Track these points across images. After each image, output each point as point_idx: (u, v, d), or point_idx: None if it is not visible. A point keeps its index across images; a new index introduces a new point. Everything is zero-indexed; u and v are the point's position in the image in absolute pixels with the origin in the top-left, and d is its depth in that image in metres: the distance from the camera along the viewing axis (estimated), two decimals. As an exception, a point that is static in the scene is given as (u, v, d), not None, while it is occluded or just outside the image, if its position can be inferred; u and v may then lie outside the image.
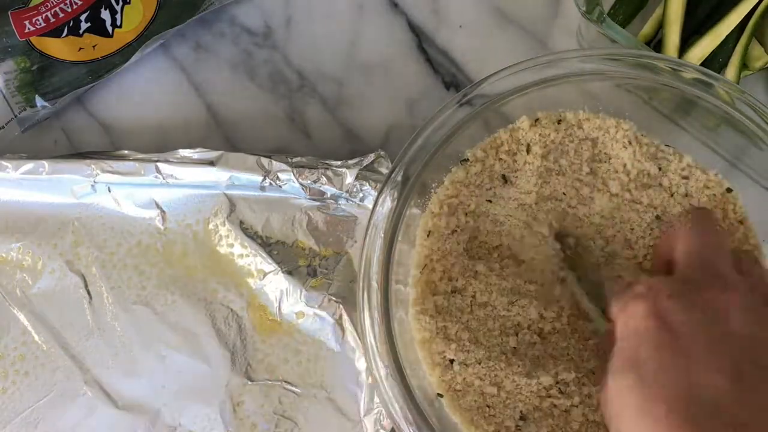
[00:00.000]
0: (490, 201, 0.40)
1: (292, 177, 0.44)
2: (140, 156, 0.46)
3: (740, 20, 0.42)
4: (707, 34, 0.42)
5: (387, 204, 0.38)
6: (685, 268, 0.32)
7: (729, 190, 0.39)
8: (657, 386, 0.28)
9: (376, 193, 0.41)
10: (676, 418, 0.27)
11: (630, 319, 0.31)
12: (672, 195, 0.39)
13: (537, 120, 0.40)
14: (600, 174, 0.40)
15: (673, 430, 0.27)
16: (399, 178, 0.38)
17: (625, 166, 0.40)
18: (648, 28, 0.45)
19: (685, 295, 0.30)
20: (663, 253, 0.36)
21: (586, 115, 0.40)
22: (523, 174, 0.40)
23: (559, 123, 0.40)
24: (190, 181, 0.45)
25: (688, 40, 0.43)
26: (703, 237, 0.35)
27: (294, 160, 0.45)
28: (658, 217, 0.39)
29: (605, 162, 0.40)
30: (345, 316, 0.44)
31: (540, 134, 0.40)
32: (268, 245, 0.46)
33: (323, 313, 0.44)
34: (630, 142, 0.39)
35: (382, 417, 0.42)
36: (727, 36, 0.42)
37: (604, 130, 0.40)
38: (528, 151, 0.40)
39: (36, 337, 0.45)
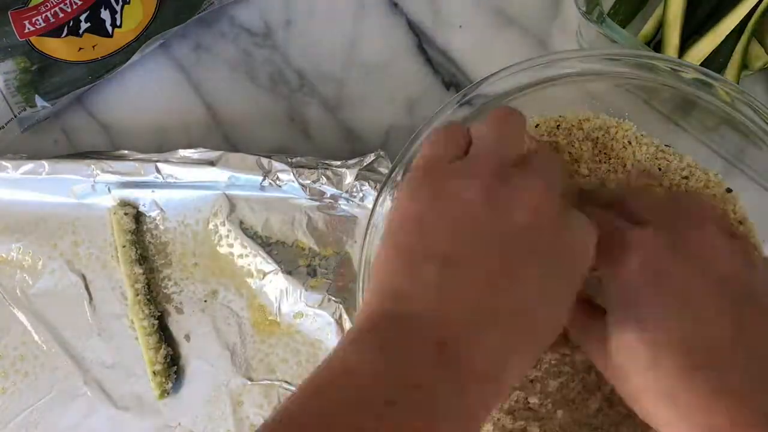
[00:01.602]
0: None
1: (292, 177, 0.44)
2: (140, 156, 0.46)
3: (740, 21, 0.41)
4: (707, 34, 0.42)
5: (387, 204, 0.38)
6: (662, 217, 0.32)
7: (729, 191, 0.39)
8: (661, 337, 0.28)
9: (376, 193, 0.41)
10: (685, 367, 0.27)
11: (625, 271, 0.30)
12: None
13: (537, 126, 0.40)
14: (599, 175, 0.40)
15: (684, 379, 0.27)
16: (399, 178, 0.38)
17: (624, 166, 0.40)
18: (648, 28, 0.45)
19: (677, 244, 0.30)
20: (615, 198, 0.36)
21: (586, 115, 0.40)
22: None
23: (558, 128, 0.40)
24: (189, 181, 0.45)
25: (687, 40, 0.43)
26: (656, 193, 0.35)
27: (294, 160, 0.45)
28: None
29: (605, 162, 0.40)
30: (345, 316, 0.44)
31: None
32: (268, 245, 0.46)
33: (323, 313, 0.44)
34: (630, 143, 0.39)
35: (382, 417, 0.42)
36: (726, 36, 0.42)
37: (604, 130, 0.40)
38: None
39: (36, 337, 0.46)
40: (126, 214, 0.46)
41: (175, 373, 0.45)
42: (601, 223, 0.32)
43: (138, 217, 0.47)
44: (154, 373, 0.44)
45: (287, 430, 0.24)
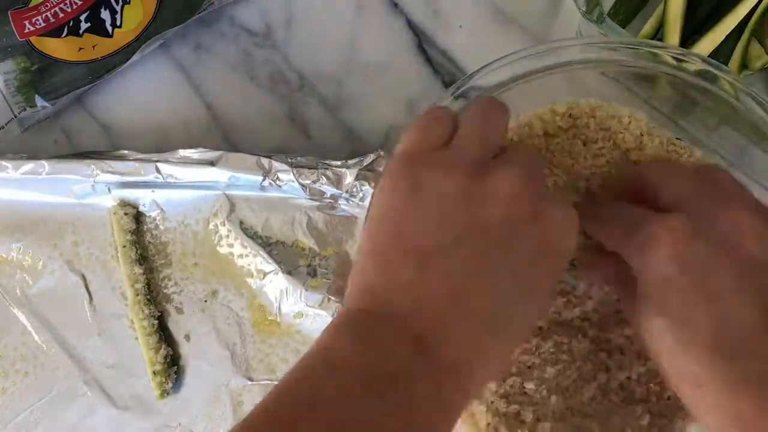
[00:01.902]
0: None
1: (292, 177, 0.44)
2: (140, 156, 0.46)
3: (740, 21, 0.41)
4: (707, 34, 0.42)
5: None
6: (682, 204, 0.32)
7: None
8: (689, 325, 0.28)
9: (375, 193, 0.41)
10: (713, 355, 0.27)
11: (650, 263, 0.30)
12: None
13: (548, 112, 0.40)
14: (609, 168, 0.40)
15: (711, 367, 0.27)
16: (380, 168, 0.38)
17: (635, 159, 0.39)
18: (648, 28, 0.45)
19: (700, 232, 0.30)
20: (634, 191, 0.36)
21: (599, 103, 0.40)
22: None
23: (570, 116, 0.40)
24: (189, 181, 0.45)
25: (687, 40, 0.43)
26: (682, 170, 0.34)
27: (294, 160, 0.45)
28: None
29: (614, 151, 0.40)
30: (345, 316, 0.44)
31: (550, 131, 0.40)
32: (268, 245, 0.46)
33: (323, 313, 0.44)
34: (642, 134, 0.39)
35: (382, 417, 0.42)
36: (726, 36, 0.42)
37: (617, 119, 0.39)
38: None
39: (36, 337, 0.46)
40: (126, 214, 0.46)
41: (176, 373, 0.45)
42: (624, 213, 0.32)
43: (138, 217, 0.47)
44: (154, 373, 0.44)
45: (266, 425, 0.25)
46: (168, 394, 0.44)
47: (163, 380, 0.44)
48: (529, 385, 0.36)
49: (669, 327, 0.29)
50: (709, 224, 0.30)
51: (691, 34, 0.43)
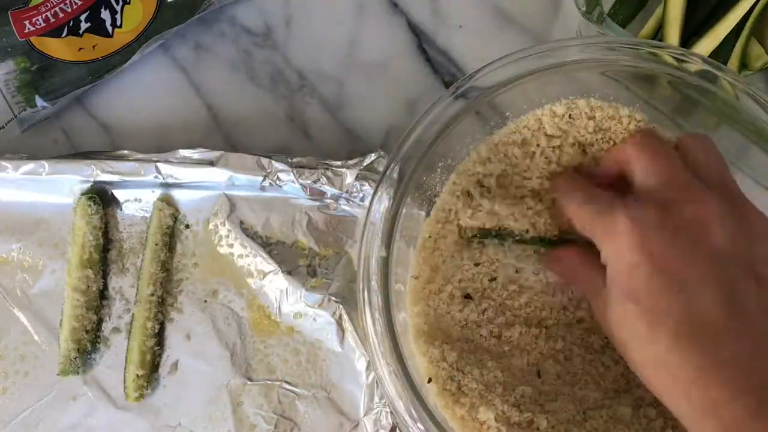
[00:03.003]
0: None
1: (293, 177, 0.44)
2: (140, 156, 0.46)
3: (738, 20, 0.41)
4: (707, 34, 0.42)
5: (384, 202, 0.38)
6: (651, 190, 0.32)
7: None
8: (657, 313, 0.29)
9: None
10: (685, 344, 0.28)
11: (617, 251, 0.31)
12: None
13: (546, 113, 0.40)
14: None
15: (680, 353, 0.28)
16: (395, 176, 0.38)
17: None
18: (648, 28, 0.45)
19: (666, 221, 0.30)
20: (610, 167, 0.36)
21: (598, 103, 0.40)
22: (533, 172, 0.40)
23: (570, 116, 0.40)
24: (190, 181, 0.45)
25: (688, 41, 0.43)
26: (654, 153, 0.34)
27: (294, 160, 0.45)
28: None
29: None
30: (345, 316, 0.44)
31: (549, 132, 0.40)
32: (268, 245, 0.46)
33: (323, 313, 0.44)
34: None
35: (381, 417, 0.42)
36: (726, 36, 0.42)
37: (617, 120, 0.39)
38: (537, 152, 0.40)
39: (36, 338, 0.46)
40: (167, 212, 0.46)
41: (155, 379, 0.45)
42: (594, 199, 0.33)
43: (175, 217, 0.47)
44: (137, 375, 0.44)
45: None
46: (143, 398, 0.44)
47: (144, 384, 0.44)
48: (541, 392, 0.36)
49: (638, 313, 0.29)
50: (676, 212, 0.30)
51: (690, 35, 0.43)
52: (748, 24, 0.42)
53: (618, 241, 0.31)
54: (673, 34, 0.43)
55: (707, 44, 0.42)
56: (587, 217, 0.33)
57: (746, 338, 0.28)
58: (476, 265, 0.39)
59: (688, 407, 0.28)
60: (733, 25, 0.42)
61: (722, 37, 0.42)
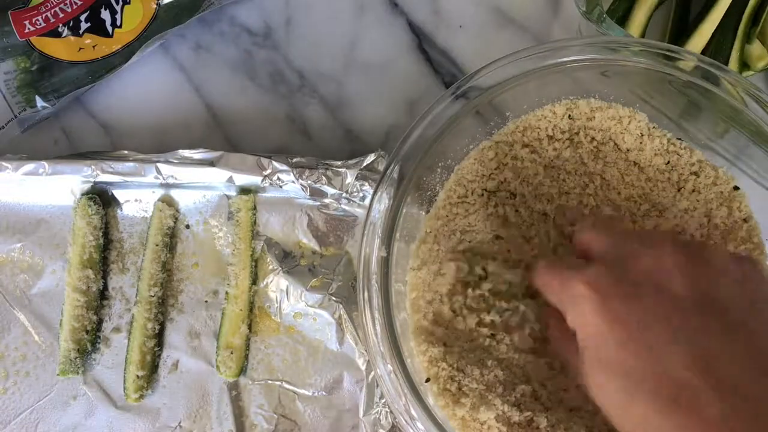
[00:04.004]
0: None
1: (293, 177, 0.44)
2: (140, 156, 0.46)
3: (732, 19, 0.41)
4: (693, 34, 0.42)
5: (384, 201, 0.38)
6: (604, 253, 0.32)
7: (736, 188, 0.39)
8: (634, 382, 0.28)
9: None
10: (656, 405, 0.27)
11: (580, 319, 0.30)
12: (679, 190, 0.39)
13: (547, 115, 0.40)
14: (608, 170, 0.40)
15: (656, 418, 0.27)
16: (395, 175, 0.38)
17: (635, 159, 0.39)
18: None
19: (623, 276, 0.30)
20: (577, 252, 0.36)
21: (599, 104, 0.40)
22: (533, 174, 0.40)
23: (570, 117, 0.40)
24: (190, 181, 0.45)
25: (677, 41, 0.43)
26: (605, 227, 0.35)
27: (294, 160, 0.45)
28: (661, 213, 0.39)
29: (614, 152, 0.40)
30: (345, 316, 0.44)
31: (549, 132, 0.40)
32: (268, 245, 0.46)
33: (323, 313, 0.44)
34: (642, 134, 0.39)
35: (381, 417, 0.42)
36: (725, 37, 0.42)
37: (617, 120, 0.39)
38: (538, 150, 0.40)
39: (36, 338, 0.46)
40: (167, 212, 0.46)
41: (155, 379, 0.45)
42: (558, 270, 0.32)
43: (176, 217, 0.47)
44: (137, 376, 0.44)
45: None
46: (143, 398, 0.44)
47: (144, 384, 0.44)
48: (540, 392, 0.36)
49: (613, 381, 0.29)
50: (633, 267, 0.30)
51: (679, 35, 0.44)
52: (742, 25, 0.42)
53: (580, 307, 0.30)
54: (640, 12, 0.43)
55: (696, 42, 0.42)
56: (551, 288, 0.33)
57: (724, 395, 0.27)
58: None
59: None
60: (718, 21, 0.42)
61: (708, 35, 0.42)
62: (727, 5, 0.42)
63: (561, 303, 0.32)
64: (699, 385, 0.27)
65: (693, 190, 0.39)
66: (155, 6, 0.47)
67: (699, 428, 0.27)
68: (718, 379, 0.27)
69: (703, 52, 0.43)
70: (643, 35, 0.44)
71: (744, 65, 0.44)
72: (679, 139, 0.39)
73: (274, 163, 0.45)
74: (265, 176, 0.45)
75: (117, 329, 0.46)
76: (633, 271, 0.30)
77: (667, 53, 0.37)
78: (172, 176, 0.45)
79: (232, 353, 0.44)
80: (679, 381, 0.27)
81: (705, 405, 0.27)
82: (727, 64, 0.43)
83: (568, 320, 0.31)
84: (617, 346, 0.29)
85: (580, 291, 0.30)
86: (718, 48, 0.43)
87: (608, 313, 0.29)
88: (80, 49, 0.48)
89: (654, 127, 0.39)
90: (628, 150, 0.40)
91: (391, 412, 0.41)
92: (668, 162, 0.39)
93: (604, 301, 0.29)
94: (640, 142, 0.39)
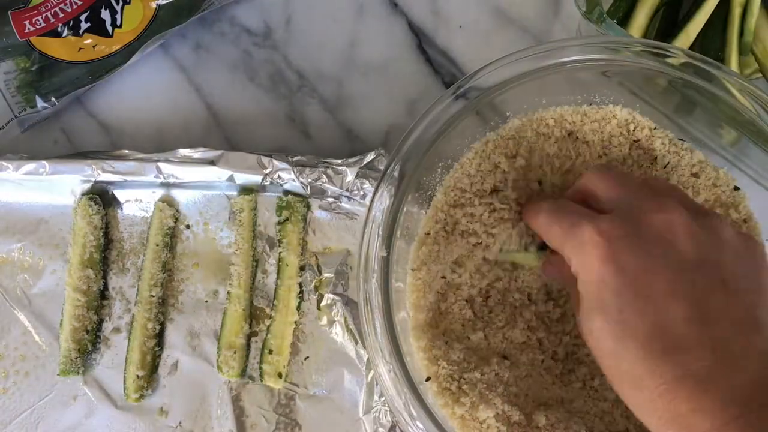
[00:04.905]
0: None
1: (293, 176, 0.44)
2: (140, 156, 0.46)
3: (707, 18, 0.42)
4: (678, 35, 0.42)
5: (385, 200, 0.38)
6: (616, 204, 0.32)
7: (736, 188, 0.39)
8: (624, 326, 0.29)
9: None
10: (648, 355, 0.28)
11: (586, 264, 0.31)
12: None
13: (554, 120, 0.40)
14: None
15: (647, 366, 0.28)
16: (396, 174, 0.38)
17: (635, 160, 0.39)
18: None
19: (635, 231, 0.30)
20: (576, 199, 0.36)
21: (598, 104, 0.40)
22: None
23: (570, 118, 0.40)
24: (190, 180, 0.45)
25: (666, 38, 0.44)
26: (613, 174, 0.34)
27: (294, 158, 0.45)
28: None
29: (614, 152, 0.40)
30: (345, 315, 0.44)
31: (549, 133, 0.40)
32: (269, 244, 0.46)
33: (323, 312, 0.44)
34: (642, 135, 0.39)
35: (381, 416, 0.42)
36: (723, 38, 0.42)
37: (617, 119, 0.39)
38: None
39: (36, 338, 0.45)
40: (168, 213, 0.46)
41: (155, 379, 0.45)
42: (564, 214, 0.33)
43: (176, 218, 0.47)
44: (137, 376, 0.44)
45: None
46: (143, 398, 0.44)
47: (144, 384, 0.44)
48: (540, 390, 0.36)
49: (608, 327, 0.29)
50: (644, 224, 0.30)
51: (663, 36, 0.44)
52: (734, 30, 0.42)
53: (587, 253, 0.30)
54: (641, 13, 0.43)
55: (681, 43, 0.42)
56: (558, 230, 0.33)
57: (714, 351, 0.27)
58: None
59: (655, 420, 0.28)
60: (703, 23, 0.42)
61: (693, 37, 0.42)
62: (713, 7, 0.42)
63: (563, 247, 0.32)
64: (692, 339, 0.28)
65: (692, 191, 0.39)
66: (155, 6, 0.47)
67: (683, 384, 0.27)
68: (712, 337, 0.28)
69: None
70: (644, 36, 0.44)
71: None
72: (681, 139, 0.39)
73: (275, 162, 0.45)
74: (266, 175, 0.45)
75: (117, 329, 0.46)
76: (644, 227, 0.30)
77: (668, 53, 0.37)
78: (172, 175, 0.45)
79: (234, 353, 0.44)
80: (673, 333, 0.28)
81: (694, 360, 0.27)
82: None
83: (572, 265, 0.31)
84: (617, 293, 0.29)
85: (590, 237, 0.30)
86: (704, 51, 0.43)
87: (615, 262, 0.30)
88: (80, 49, 0.48)
89: (654, 128, 0.39)
90: (628, 151, 0.40)
91: (390, 410, 0.41)
92: (668, 164, 0.39)
93: (614, 249, 0.30)
94: (641, 142, 0.39)
